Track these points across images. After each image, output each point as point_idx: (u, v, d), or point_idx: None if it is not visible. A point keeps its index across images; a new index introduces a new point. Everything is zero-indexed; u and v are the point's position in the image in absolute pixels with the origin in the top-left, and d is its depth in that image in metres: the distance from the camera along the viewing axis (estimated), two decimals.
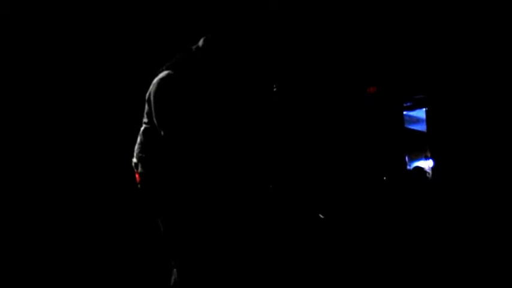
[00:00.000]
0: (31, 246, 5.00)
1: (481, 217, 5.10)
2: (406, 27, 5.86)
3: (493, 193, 5.14)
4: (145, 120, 3.02)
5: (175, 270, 2.99)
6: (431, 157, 6.32)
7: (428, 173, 6.61)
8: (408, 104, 6.57)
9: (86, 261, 5.04)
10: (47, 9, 5.26)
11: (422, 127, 6.94)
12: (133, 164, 3.04)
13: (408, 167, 6.76)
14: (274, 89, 3.48)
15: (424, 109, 6.58)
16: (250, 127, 3.17)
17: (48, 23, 5.26)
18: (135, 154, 3.04)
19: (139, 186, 3.01)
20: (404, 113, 6.70)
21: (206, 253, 2.88)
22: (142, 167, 2.97)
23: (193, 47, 3.07)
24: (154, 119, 2.91)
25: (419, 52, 5.90)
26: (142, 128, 3.04)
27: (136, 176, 3.00)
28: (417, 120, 7.15)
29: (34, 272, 4.88)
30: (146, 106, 3.02)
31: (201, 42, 3.05)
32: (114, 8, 5.43)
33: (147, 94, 2.99)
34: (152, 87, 2.94)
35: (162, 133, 2.86)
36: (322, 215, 3.53)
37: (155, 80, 2.95)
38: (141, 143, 3.01)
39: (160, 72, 2.97)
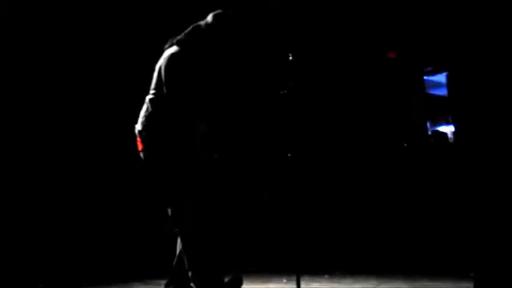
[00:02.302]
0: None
1: (506, 184, 5.04)
2: None
3: None
4: (153, 90, 3.13)
5: (179, 239, 3.07)
6: (453, 122, 6.24)
7: (450, 138, 6.54)
8: (429, 68, 6.46)
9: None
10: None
11: (443, 92, 6.84)
12: (136, 131, 3.14)
13: (429, 132, 6.69)
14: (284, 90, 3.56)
15: (444, 74, 6.47)
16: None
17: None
18: (140, 121, 3.13)
19: (141, 154, 3.09)
20: (425, 77, 6.59)
21: (205, 213, 3.00)
22: (146, 135, 3.07)
23: (202, 22, 3.17)
24: (165, 90, 3.01)
25: (439, 15, 5.79)
26: (149, 97, 3.11)
27: (138, 143, 3.08)
28: (438, 85, 7.04)
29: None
30: (155, 77, 3.13)
31: (209, 18, 3.10)
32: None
33: (158, 66, 3.12)
34: (164, 61, 3.08)
35: (174, 101, 2.97)
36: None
37: (166, 54, 3.09)
38: (147, 111, 3.07)
39: (170, 46, 3.12)
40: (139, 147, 3.12)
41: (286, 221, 4.97)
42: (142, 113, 3.14)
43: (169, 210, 3.07)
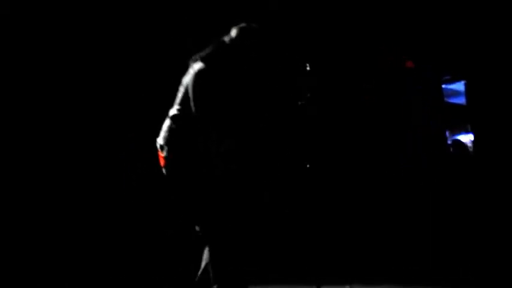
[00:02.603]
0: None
1: None
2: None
3: None
4: (178, 106, 3.12)
5: (206, 250, 3.07)
6: (472, 131, 6.21)
7: (469, 147, 6.50)
8: (447, 77, 6.44)
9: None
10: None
11: (461, 100, 6.82)
12: (158, 145, 3.14)
13: (448, 141, 6.66)
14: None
15: (463, 82, 6.46)
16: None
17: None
18: (162, 136, 3.12)
19: (164, 170, 3.11)
20: (443, 86, 6.57)
21: (230, 225, 3.02)
22: (168, 150, 3.06)
23: (226, 38, 3.16)
24: (192, 107, 3.00)
25: (457, 25, 5.77)
26: (173, 113, 3.12)
27: (161, 159, 3.09)
28: (456, 93, 7.02)
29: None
30: (182, 92, 3.12)
31: (234, 33, 3.12)
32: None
33: (184, 82, 3.11)
34: (191, 78, 3.06)
35: (201, 119, 2.97)
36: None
37: (193, 71, 3.07)
38: (171, 127, 3.09)
39: (194, 61, 3.10)
40: (162, 163, 3.12)
41: (302, 230, 4.94)
42: (164, 127, 3.13)
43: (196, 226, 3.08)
